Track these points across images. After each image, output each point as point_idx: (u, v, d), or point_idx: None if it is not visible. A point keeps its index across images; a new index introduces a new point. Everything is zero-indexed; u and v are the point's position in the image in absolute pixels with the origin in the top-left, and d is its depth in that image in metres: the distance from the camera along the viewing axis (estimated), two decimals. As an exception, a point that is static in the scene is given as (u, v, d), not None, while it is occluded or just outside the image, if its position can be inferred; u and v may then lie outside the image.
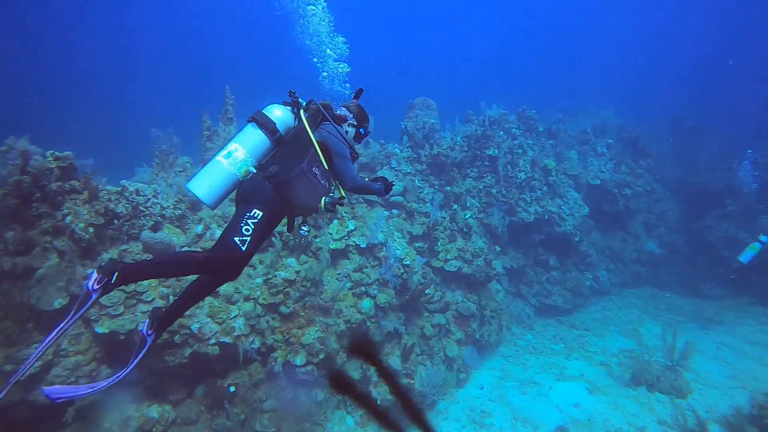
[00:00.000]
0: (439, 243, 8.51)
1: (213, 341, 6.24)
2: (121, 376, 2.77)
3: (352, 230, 7.58)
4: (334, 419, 7.11)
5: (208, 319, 6.30)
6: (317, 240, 7.17)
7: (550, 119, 14.66)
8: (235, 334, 6.35)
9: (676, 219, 16.32)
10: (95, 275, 2.48)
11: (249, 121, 3.14)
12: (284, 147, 3.14)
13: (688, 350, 8.82)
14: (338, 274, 7.44)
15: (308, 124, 3.17)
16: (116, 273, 2.52)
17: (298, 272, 6.92)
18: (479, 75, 45.99)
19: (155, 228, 6.72)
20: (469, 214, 9.00)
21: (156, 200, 6.92)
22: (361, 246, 7.50)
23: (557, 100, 18.22)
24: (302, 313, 6.94)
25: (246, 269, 6.92)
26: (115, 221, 6.41)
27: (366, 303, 7.18)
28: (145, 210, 6.73)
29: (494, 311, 8.90)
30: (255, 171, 3.02)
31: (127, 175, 8.02)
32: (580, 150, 14.39)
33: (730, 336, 11.04)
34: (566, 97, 20.57)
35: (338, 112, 3.56)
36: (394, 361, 7.22)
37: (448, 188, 9.54)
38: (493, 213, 10.33)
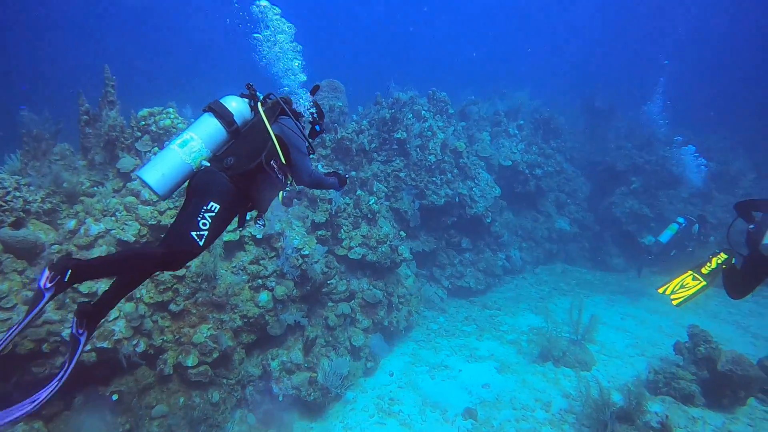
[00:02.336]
0: (342, 230, 8.25)
1: (88, 347, 5.68)
2: (60, 380, 2.51)
3: (248, 220, 7.15)
4: (234, 418, 6.75)
5: (81, 325, 5.71)
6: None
7: (463, 102, 14.73)
8: (115, 338, 5.81)
9: (586, 197, 17.02)
10: (47, 273, 2.31)
11: (205, 111, 3.05)
12: (241, 139, 3.07)
13: (592, 324, 9.11)
14: (234, 267, 7.01)
15: (266, 117, 3.12)
16: (69, 270, 2.33)
17: (188, 267, 6.44)
18: (393, 57, 45.58)
19: (18, 224, 6.01)
20: (373, 200, 8.78)
21: (19, 193, 6.19)
22: (257, 236, 7.10)
23: (473, 84, 18.33)
24: (194, 311, 6.47)
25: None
26: (-33, 220, 5.68)
27: (263, 296, 6.81)
28: (4, 204, 5.99)
29: (402, 297, 8.79)
30: (209, 163, 2.92)
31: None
32: (493, 132, 14.57)
33: (633, 306, 11.62)
34: (486, 81, 20.79)
35: (294, 107, 3.52)
36: (295, 354, 6.92)
37: (353, 173, 9.28)
38: (403, 197, 10.20)
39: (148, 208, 6.45)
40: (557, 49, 46.48)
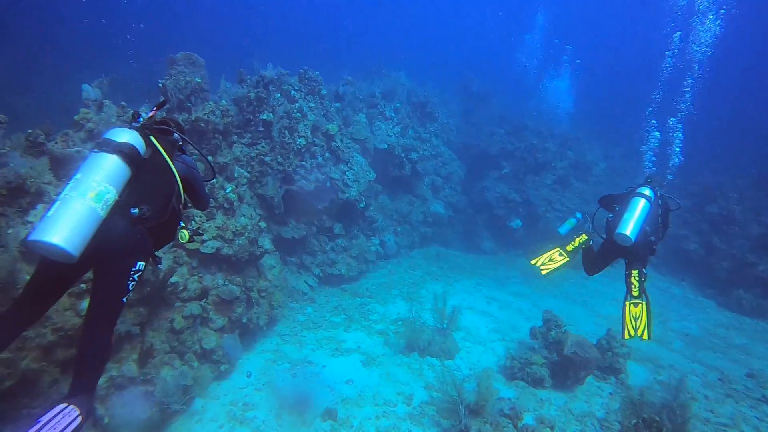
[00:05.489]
0: (192, 222, 7.43)
1: None
2: None
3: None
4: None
5: None
6: (9, 231, 5.59)
7: (339, 82, 14.20)
8: None
9: (461, 180, 17.47)
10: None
11: (103, 151, 2.58)
12: (144, 180, 2.73)
13: (458, 311, 9.21)
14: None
15: (167, 155, 2.90)
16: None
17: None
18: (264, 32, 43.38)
19: None
20: (230, 188, 8.02)
21: None
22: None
23: (350, 64, 17.83)
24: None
25: None
26: None
27: (86, 303, 5.85)
28: None
29: (264, 290, 8.20)
30: (116, 210, 2.54)
31: None
32: (369, 114, 14.26)
33: (499, 290, 12.11)
34: (364, 60, 20.38)
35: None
36: (128, 367, 6.08)
37: (209, 158, 8.41)
38: (268, 182, 9.52)
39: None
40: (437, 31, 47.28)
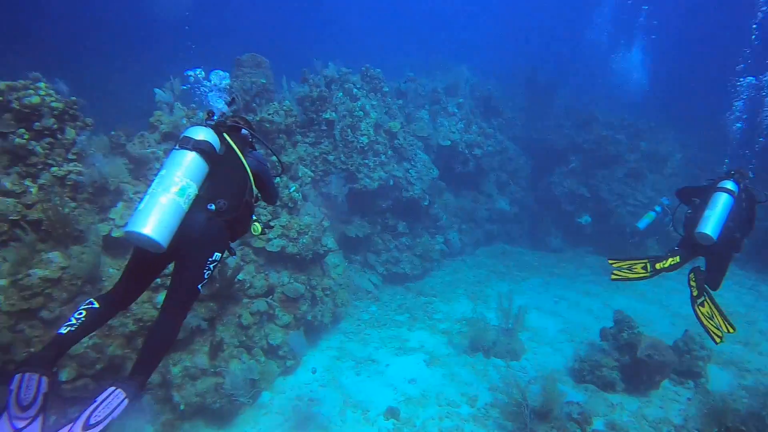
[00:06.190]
0: (263, 216, 7.63)
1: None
2: None
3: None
4: (130, 432, 6.13)
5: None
6: (97, 226, 5.96)
7: (401, 78, 14.14)
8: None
9: (527, 176, 16.93)
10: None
11: (183, 148, 2.78)
12: (220, 176, 2.90)
13: (522, 312, 8.87)
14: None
15: (239, 151, 3.04)
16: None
17: (64, 268, 5.66)
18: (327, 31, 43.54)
19: None
20: (294, 187, 8.15)
21: None
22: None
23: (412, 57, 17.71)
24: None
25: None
26: None
27: (162, 297, 6.14)
28: None
29: (328, 289, 8.28)
30: (197, 204, 2.73)
31: None
32: (431, 110, 14.10)
33: (567, 288, 11.59)
34: (427, 54, 20.21)
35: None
36: (200, 358, 6.31)
37: (273, 158, 8.60)
38: (332, 181, 9.62)
39: (9, 200, 5.54)
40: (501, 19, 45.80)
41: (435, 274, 12.00)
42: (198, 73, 4.06)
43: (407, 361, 8.05)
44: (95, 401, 2.21)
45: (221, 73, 3.97)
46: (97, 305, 2.63)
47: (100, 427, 2.15)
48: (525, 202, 16.04)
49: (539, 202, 16.16)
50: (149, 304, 6.10)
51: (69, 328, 2.47)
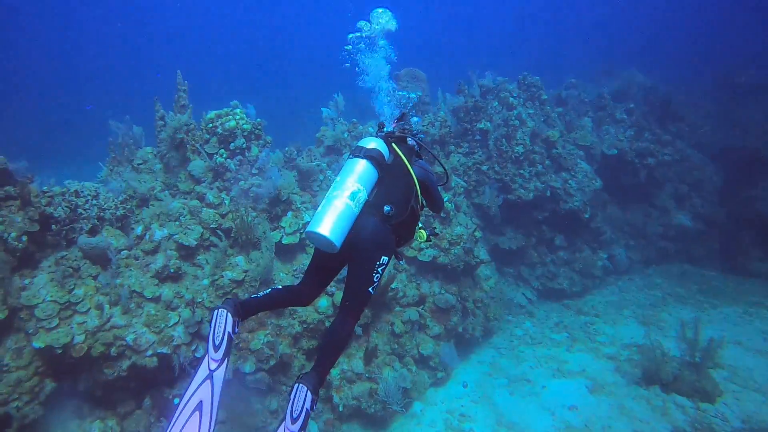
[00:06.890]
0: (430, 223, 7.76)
1: (150, 353, 5.79)
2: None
3: (308, 222, 6.93)
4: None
5: (145, 329, 5.83)
6: (271, 233, 6.61)
7: (561, 85, 13.42)
8: (174, 343, 5.87)
9: (716, 189, 14.69)
10: (232, 319, 2.59)
11: (356, 156, 3.04)
12: (388, 183, 3.07)
13: (714, 345, 7.55)
14: (294, 270, 6.84)
15: (407, 160, 3.17)
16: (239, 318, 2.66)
17: (246, 272, 6.37)
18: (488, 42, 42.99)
19: (93, 231, 6.29)
20: (446, 197, 8.14)
21: (95, 201, 6.47)
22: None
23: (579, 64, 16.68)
24: (252, 316, 6.39)
25: (194, 269, 6.48)
26: (53, 226, 6.02)
27: (323, 302, 6.54)
28: (83, 212, 6.30)
29: (479, 301, 8.09)
30: (367, 209, 2.92)
31: (93, 170, 7.70)
32: (596, 117, 13.09)
33: (782, 324, 9.59)
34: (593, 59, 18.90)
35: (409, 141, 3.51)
36: (356, 363, 6.58)
37: (439, 168, 8.73)
38: (485, 192, 9.43)
39: (210, 211, 6.45)
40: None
41: (597, 293, 11.00)
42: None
43: (567, 385, 7.45)
44: (290, 398, 2.48)
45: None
46: (280, 288, 2.99)
47: (302, 417, 2.42)
48: (713, 217, 13.90)
49: (734, 219, 13.85)
50: (312, 308, 6.56)
51: (255, 296, 2.84)
